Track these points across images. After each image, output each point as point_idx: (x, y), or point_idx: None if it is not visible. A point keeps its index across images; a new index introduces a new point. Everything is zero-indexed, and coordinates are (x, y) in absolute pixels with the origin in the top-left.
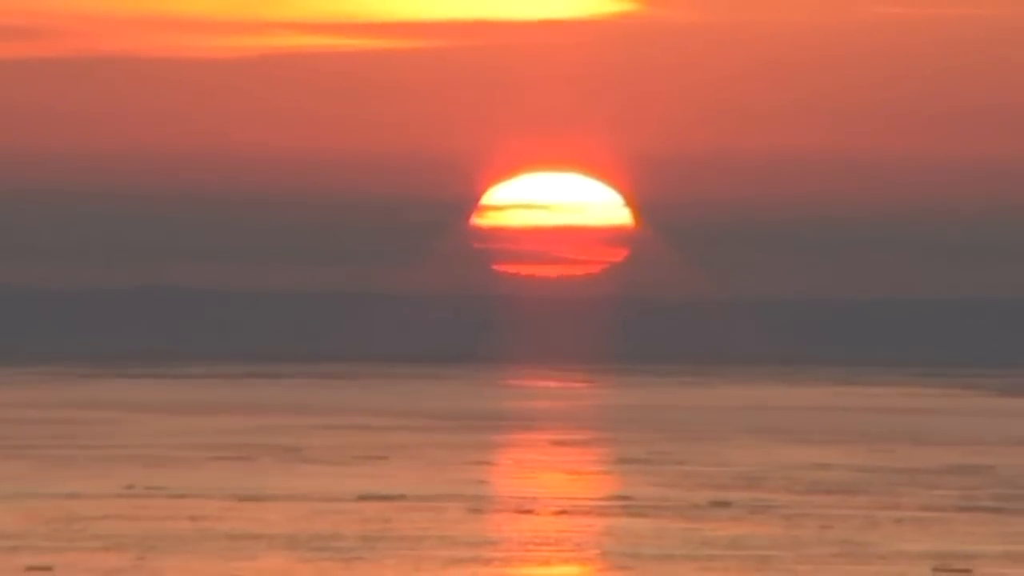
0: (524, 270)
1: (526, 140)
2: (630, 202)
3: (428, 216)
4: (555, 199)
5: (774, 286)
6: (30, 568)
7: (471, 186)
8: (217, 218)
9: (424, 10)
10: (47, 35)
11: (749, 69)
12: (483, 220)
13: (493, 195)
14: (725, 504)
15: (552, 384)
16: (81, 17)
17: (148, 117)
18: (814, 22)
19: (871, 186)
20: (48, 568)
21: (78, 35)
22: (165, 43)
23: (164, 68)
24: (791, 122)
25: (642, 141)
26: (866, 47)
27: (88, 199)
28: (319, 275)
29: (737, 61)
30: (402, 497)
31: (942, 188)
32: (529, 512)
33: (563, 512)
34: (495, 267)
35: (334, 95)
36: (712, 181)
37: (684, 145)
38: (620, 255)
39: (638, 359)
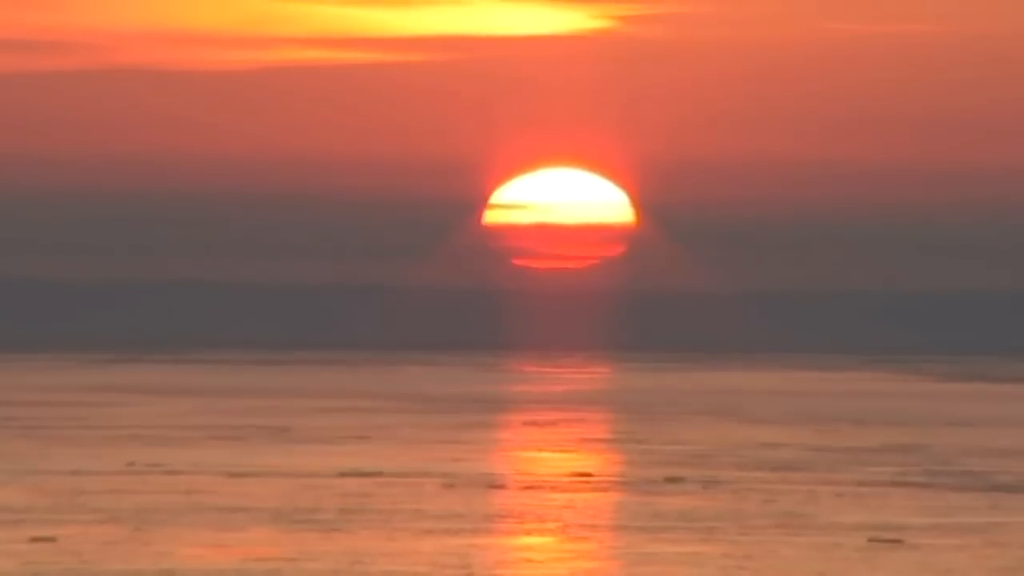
0: (529, 264)
1: (528, 142)
2: (632, 200)
3: (438, 215)
4: (558, 197)
5: (763, 279)
6: (34, 539)
7: (479, 186)
8: (238, 217)
9: (418, 25)
10: (70, 49)
11: (722, 79)
12: (491, 218)
13: (500, 194)
14: (678, 480)
15: (538, 369)
16: (102, 32)
17: (166, 123)
18: (773, 38)
19: (849, 187)
20: (51, 539)
21: (98, 49)
22: (179, 56)
23: (179, 78)
24: (761, 128)
25: (637, 142)
26: (824, 60)
27: (111, 199)
28: (327, 270)
29: (711, 72)
30: (380, 474)
31: (913, 190)
32: (498, 487)
33: (529, 487)
34: (502, 261)
35: (341, 103)
36: (703, 182)
37: (677, 148)
38: (621, 250)
39: (634, 347)
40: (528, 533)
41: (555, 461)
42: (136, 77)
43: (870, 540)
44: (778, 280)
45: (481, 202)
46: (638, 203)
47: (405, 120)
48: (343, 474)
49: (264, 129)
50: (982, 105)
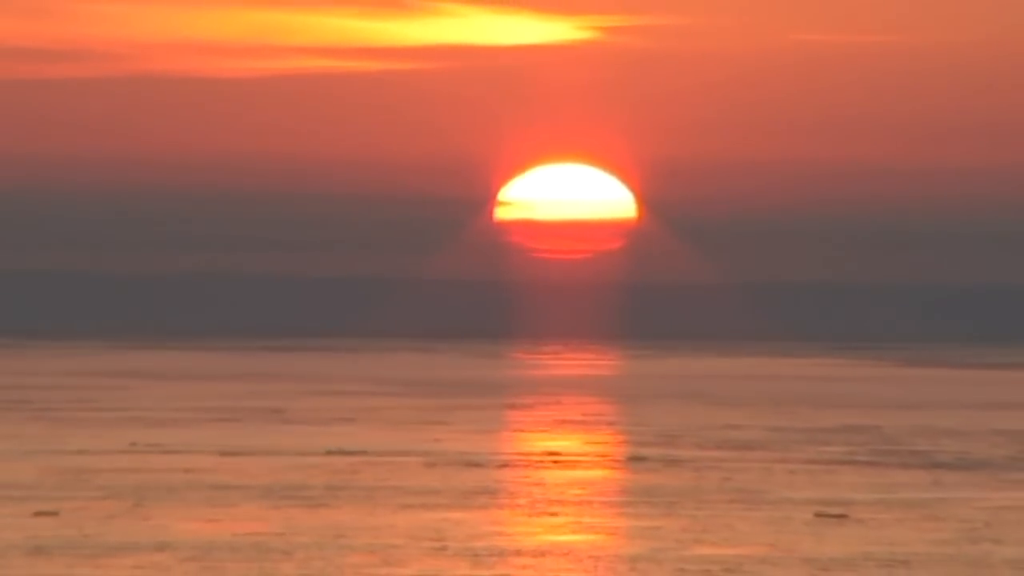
0: (535, 257)
1: (532, 140)
2: (636, 195)
3: (448, 211)
4: (560, 193)
5: (757, 273)
6: (39, 513)
7: (486, 184)
8: (258, 213)
9: (416, 35)
10: (92, 57)
11: (704, 86)
12: (498, 214)
13: (506, 191)
14: (642, 459)
15: (531, 357)
16: (126, 42)
17: (187, 125)
18: (746, 48)
19: (823, 185)
20: (54, 513)
21: (119, 58)
22: (194, 64)
23: (199, 85)
24: (738, 131)
25: (629, 141)
26: (794, 68)
27: (132, 197)
28: (339, 263)
29: (694, 79)
30: (364, 453)
31: (882, 187)
32: (475, 466)
33: (504, 466)
34: (508, 254)
35: (348, 108)
36: (694, 180)
37: (668, 147)
38: (624, 244)
39: (634, 336)
40: (500, 507)
41: (529, 441)
42: (158, 84)
43: (817, 514)
44: (773, 273)
45: (488, 199)
46: (640, 198)
47: (413, 123)
48: (330, 453)
49: (280, 132)
50: (944, 109)
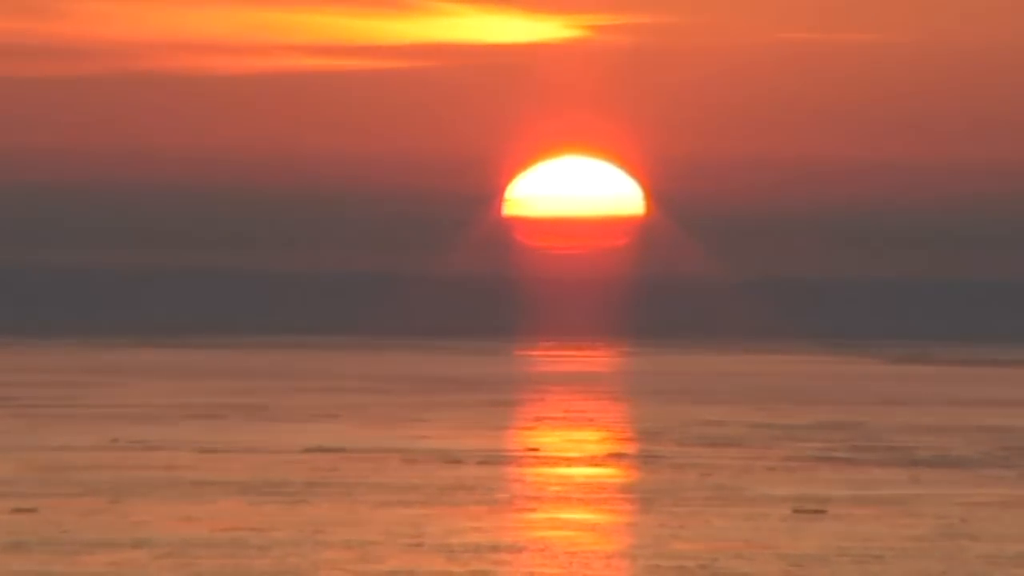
0: (540, 254)
1: (534, 136)
2: (644, 191)
3: (454, 208)
4: (568, 189)
5: (757, 270)
6: (16, 510)
7: (492, 181)
8: (260, 212)
9: (408, 34)
10: (91, 55)
11: (696, 84)
12: (506, 209)
13: (513, 188)
14: (622, 455)
15: (527, 353)
16: (120, 40)
17: (193, 123)
18: (732, 46)
19: (820, 185)
20: (32, 510)
21: (118, 56)
22: (193, 62)
23: (191, 83)
24: (732, 130)
25: (635, 139)
26: (781, 67)
27: (134, 195)
28: (344, 260)
29: (684, 77)
30: (343, 449)
31: (882, 187)
32: (456, 462)
33: (483, 462)
34: (515, 251)
35: (347, 107)
36: (700, 179)
37: (670, 146)
38: (631, 240)
39: (639, 332)
40: (477, 503)
41: (510, 437)
42: (157, 82)
43: (795, 511)
44: (779, 269)
45: (494, 195)
46: (649, 194)
47: (414, 121)
48: (310, 450)
49: (281, 130)
50: (923, 105)
